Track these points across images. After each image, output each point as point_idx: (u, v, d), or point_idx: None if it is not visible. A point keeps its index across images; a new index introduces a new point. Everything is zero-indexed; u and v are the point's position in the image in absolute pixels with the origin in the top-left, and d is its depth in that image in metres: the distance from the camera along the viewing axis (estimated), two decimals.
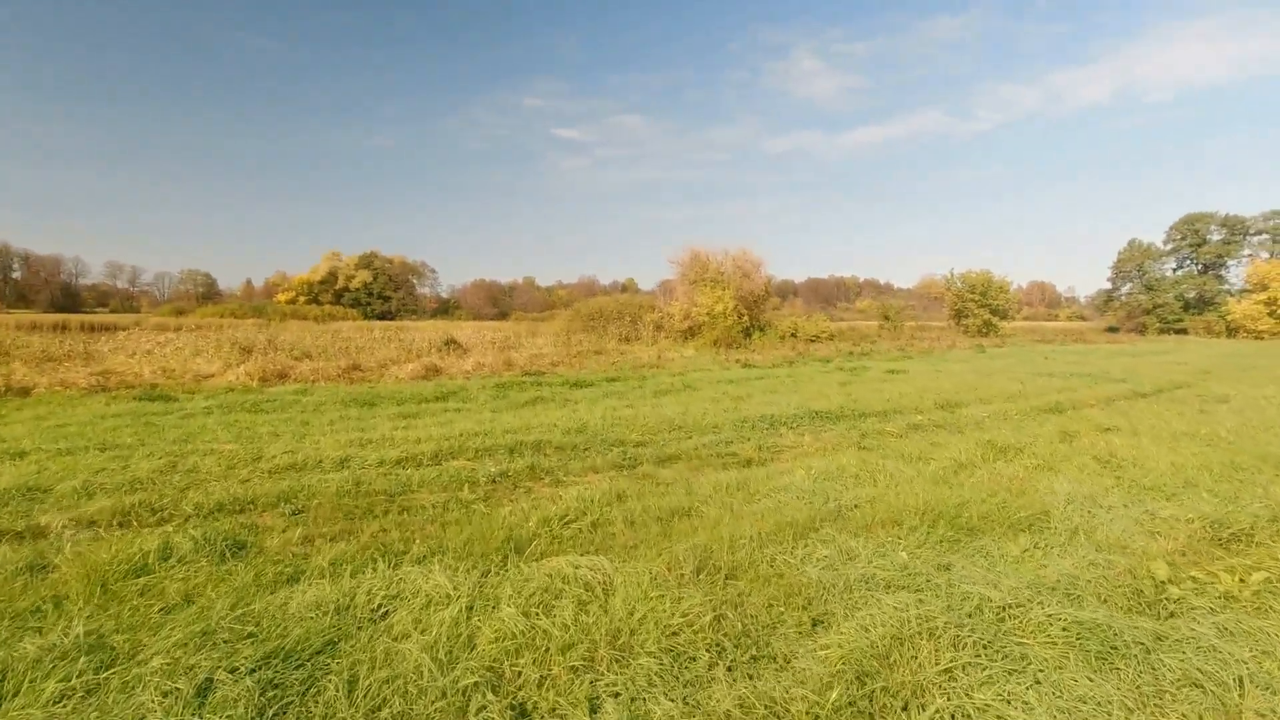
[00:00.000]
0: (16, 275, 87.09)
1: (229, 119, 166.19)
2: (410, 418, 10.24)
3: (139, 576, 3.54)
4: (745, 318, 33.58)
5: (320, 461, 6.74)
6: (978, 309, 45.49)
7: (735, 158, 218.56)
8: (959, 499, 5.23)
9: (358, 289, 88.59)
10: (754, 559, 3.92)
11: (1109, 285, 64.06)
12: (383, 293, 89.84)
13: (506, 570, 3.67)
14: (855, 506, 5.18)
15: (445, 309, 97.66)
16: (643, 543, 4.29)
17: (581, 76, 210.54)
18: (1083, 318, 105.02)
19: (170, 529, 4.54)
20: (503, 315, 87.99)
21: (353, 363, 18.31)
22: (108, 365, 16.75)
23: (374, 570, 3.61)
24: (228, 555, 3.91)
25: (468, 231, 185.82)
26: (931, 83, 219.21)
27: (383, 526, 4.61)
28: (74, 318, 48.73)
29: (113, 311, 79.00)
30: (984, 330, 44.72)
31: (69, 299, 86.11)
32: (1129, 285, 61.47)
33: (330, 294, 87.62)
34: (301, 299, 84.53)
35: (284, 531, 4.50)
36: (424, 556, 3.93)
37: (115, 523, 4.62)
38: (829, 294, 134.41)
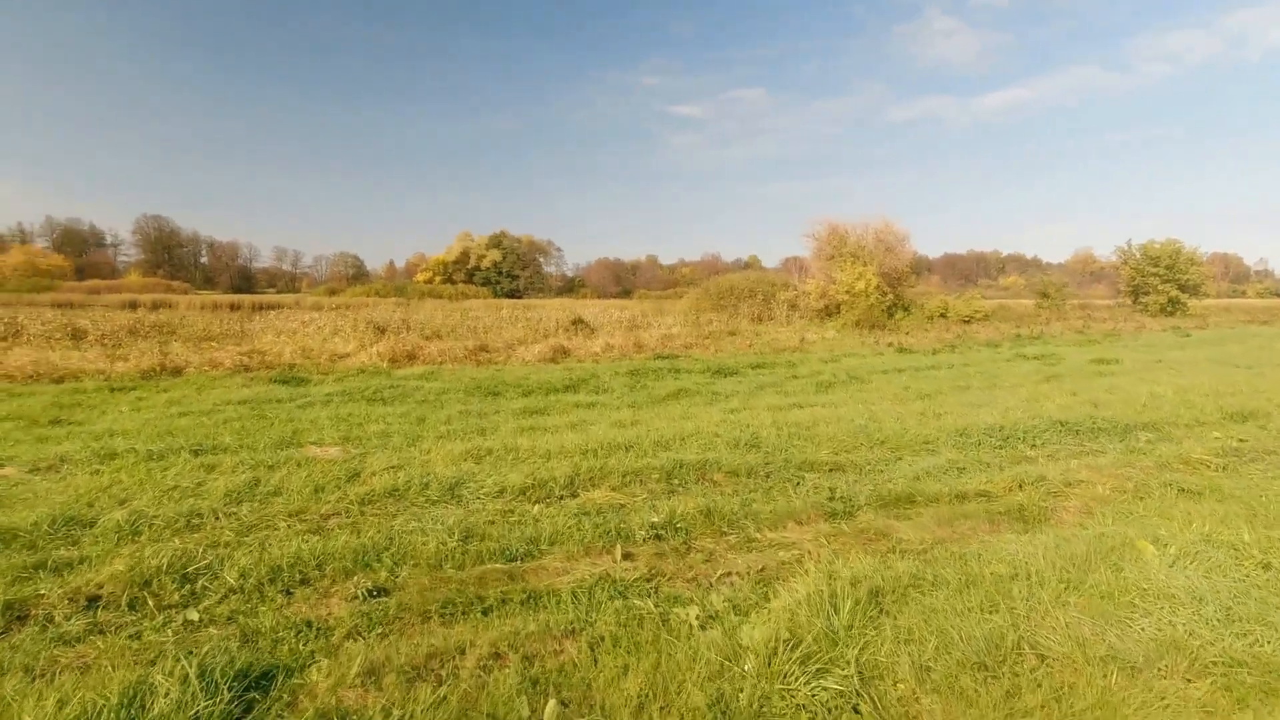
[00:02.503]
0: (204, 260, 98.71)
1: (369, 110, 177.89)
2: (537, 414, 8.67)
3: None
4: (888, 296, 29.98)
5: (426, 485, 5.18)
6: (1162, 285, 37.96)
7: (859, 129, 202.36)
8: None
9: (488, 268, 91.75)
10: None
11: None
12: (511, 271, 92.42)
13: None
14: None
15: (570, 287, 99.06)
16: None
17: (695, 52, 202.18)
18: (1278, 295, 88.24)
19: (193, 616, 3.03)
20: (626, 293, 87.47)
21: (480, 343, 17.54)
22: (255, 345, 16.96)
23: None
24: (233, 716, 2.27)
25: (590, 210, 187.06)
26: (1083, 35, 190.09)
27: (494, 646, 2.80)
28: (247, 298, 54.10)
29: (279, 292, 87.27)
30: (1169, 310, 37.31)
31: (244, 281, 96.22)
32: None
33: (463, 273, 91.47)
34: (437, 278, 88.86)
35: (346, 640, 2.83)
36: None
37: (124, 600, 3.18)
38: (968, 271, 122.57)
